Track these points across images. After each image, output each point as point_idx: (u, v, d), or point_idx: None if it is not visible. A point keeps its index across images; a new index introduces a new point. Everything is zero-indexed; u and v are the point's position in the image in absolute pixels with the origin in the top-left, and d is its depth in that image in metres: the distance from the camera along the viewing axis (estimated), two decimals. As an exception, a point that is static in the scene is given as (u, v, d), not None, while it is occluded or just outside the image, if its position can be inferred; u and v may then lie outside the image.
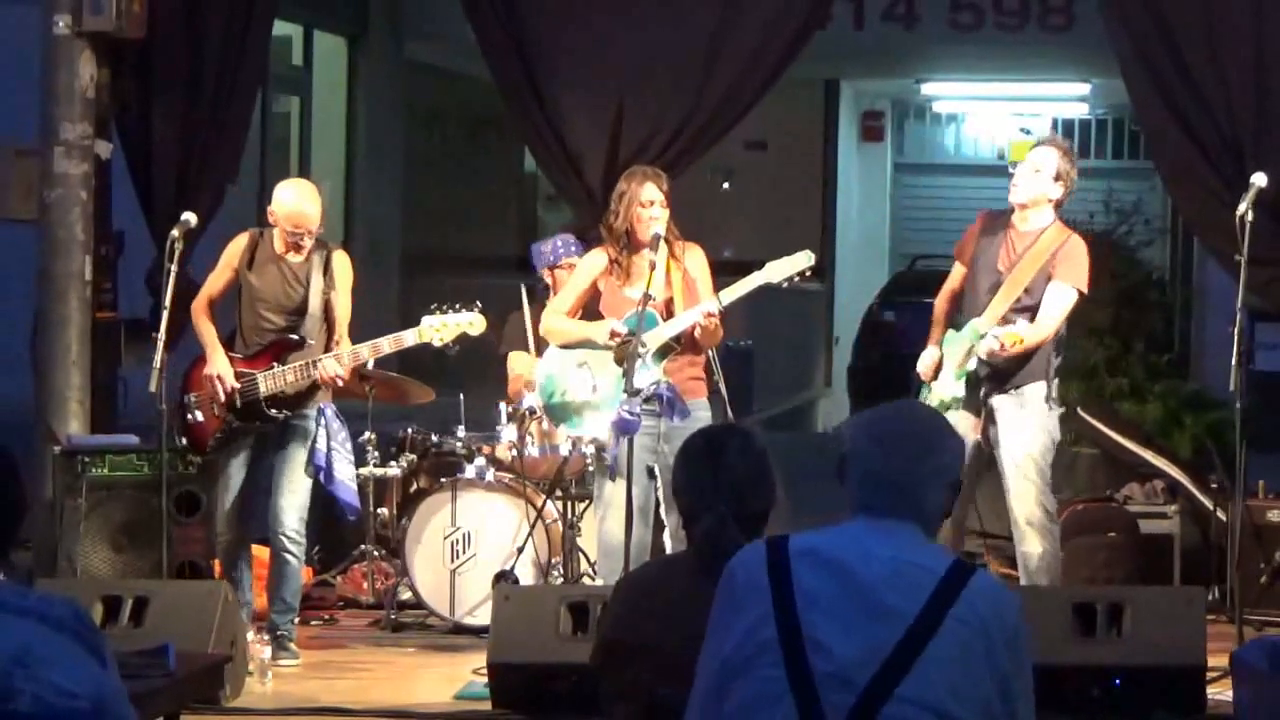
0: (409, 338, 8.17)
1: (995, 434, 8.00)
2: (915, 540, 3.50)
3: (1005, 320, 7.92)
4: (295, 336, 8.09)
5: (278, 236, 8.15)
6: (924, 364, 8.23)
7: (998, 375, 7.98)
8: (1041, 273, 7.95)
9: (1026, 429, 7.96)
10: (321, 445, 8.09)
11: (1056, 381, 8.09)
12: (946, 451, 3.60)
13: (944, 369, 8.11)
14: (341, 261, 8.23)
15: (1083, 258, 8.01)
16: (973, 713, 3.36)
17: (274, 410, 8.08)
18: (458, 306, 8.19)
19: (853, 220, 22.55)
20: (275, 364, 8.08)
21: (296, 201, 8.11)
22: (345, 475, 8.22)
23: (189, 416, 8.22)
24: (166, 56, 9.79)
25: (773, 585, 3.43)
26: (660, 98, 9.64)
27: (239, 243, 8.21)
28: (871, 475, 3.52)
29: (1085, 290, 8.03)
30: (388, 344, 8.15)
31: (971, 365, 7.99)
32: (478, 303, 8.26)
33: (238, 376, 8.07)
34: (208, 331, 8.19)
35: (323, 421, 8.12)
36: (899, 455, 3.52)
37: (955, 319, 8.28)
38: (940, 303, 8.34)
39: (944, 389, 8.09)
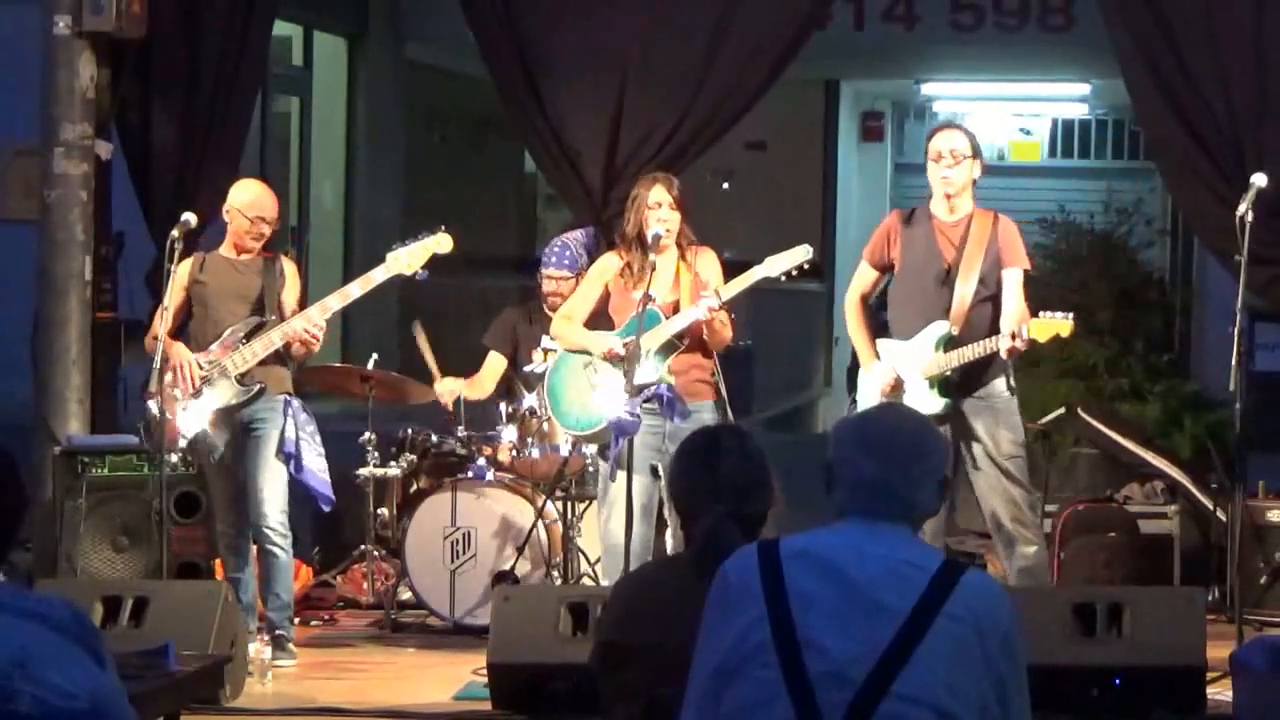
0: (378, 274, 8.16)
1: (973, 446, 7.87)
2: (906, 539, 3.51)
3: (970, 318, 7.82)
4: (258, 321, 8.09)
5: (226, 240, 8.20)
6: (883, 383, 7.90)
7: (965, 379, 7.86)
8: (989, 260, 7.86)
9: (1002, 430, 7.88)
10: (290, 434, 8.08)
11: (1012, 369, 8.02)
12: (935, 452, 3.62)
13: (909, 383, 7.90)
14: (290, 268, 8.28)
15: (1019, 236, 8.01)
16: (968, 709, 3.37)
17: (244, 383, 8.05)
18: (421, 234, 8.19)
19: (853, 220, 22.51)
20: (240, 345, 8.08)
21: (257, 193, 8.20)
22: (315, 466, 8.19)
23: (155, 424, 8.12)
24: (166, 56, 9.80)
25: (766, 587, 3.43)
26: (659, 98, 9.65)
27: (184, 265, 8.21)
28: (864, 483, 3.52)
29: (1030, 267, 8.00)
30: (356, 287, 8.15)
31: (950, 372, 7.83)
32: (441, 225, 8.25)
33: (203, 366, 8.07)
34: (165, 339, 8.12)
35: (289, 412, 8.10)
36: (891, 461, 3.52)
37: (875, 325, 8.17)
38: (855, 309, 8.11)
39: (918, 405, 7.65)
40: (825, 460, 3.58)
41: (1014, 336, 7.69)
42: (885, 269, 8.09)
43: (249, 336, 8.09)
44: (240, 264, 8.16)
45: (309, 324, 7.99)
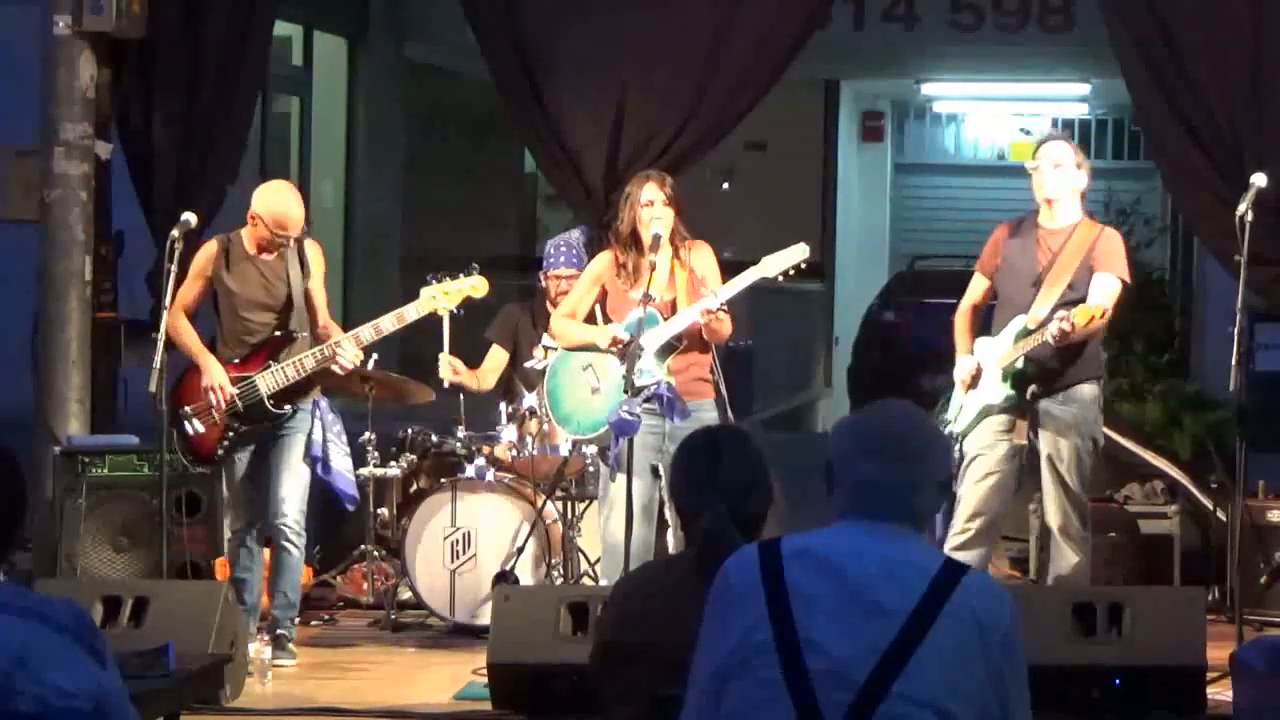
0: (410, 312, 8.17)
1: (1040, 438, 7.90)
2: (907, 540, 3.50)
3: (1051, 317, 7.85)
4: (283, 333, 8.10)
5: (248, 237, 8.13)
6: (962, 372, 8.05)
7: (1047, 375, 7.88)
8: (1083, 267, 7.86)
9: (1074, 436, 7.88)
10: (318, 436, 8.10)
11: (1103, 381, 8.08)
12: (936, 453, 3.61)
13: (984, 373, 8.00)
14: (314, 250, 8.22)
15: (1121, 248, 7.99)
16: (969, 709, 3.37)
17: (279, 407, 8.09)
18: (455, 272, 8.19)
19: (853, 220, 22.53)
20: (271, 363, 8.08)
21: (281, 204, 8.08)
22: (342, 466, 8.23)
23: (189, 430, 8.19)
24: (166, 56, 9.80)
25: (766, 588, 3.42)
26: (661, 99, 9.64)
27: (208, 250, 8.19)
28: (864, 484, 3.51)
29: (1128, 280, 7.97)
30: (389, 322, 8.14)
31: (1020, 364, 7.92)
32: (475, 265, 8.25)
33: (234, 382, 8.07)
34: (193, 342, 8.15)
35: (318, 413, 8.12)
36: (891, 464, 3.50)
37: (979, 331, 8.22)
38: (961, 318, 8.21)
39: (986, 394, 7.96)
40: (826, 460, 3.58)
41: (1062, 319, 7.68)
42: (994, 277, 8.15)
43: (281, 354, 8.08)
44: (264, 265, 8.11)
45: (345, 357, 8.00)
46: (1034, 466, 7.99)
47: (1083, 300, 7.78)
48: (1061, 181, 7.97)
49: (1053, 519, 7.95)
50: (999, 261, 8.08)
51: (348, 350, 8.02)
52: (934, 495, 3.57)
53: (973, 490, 7.91)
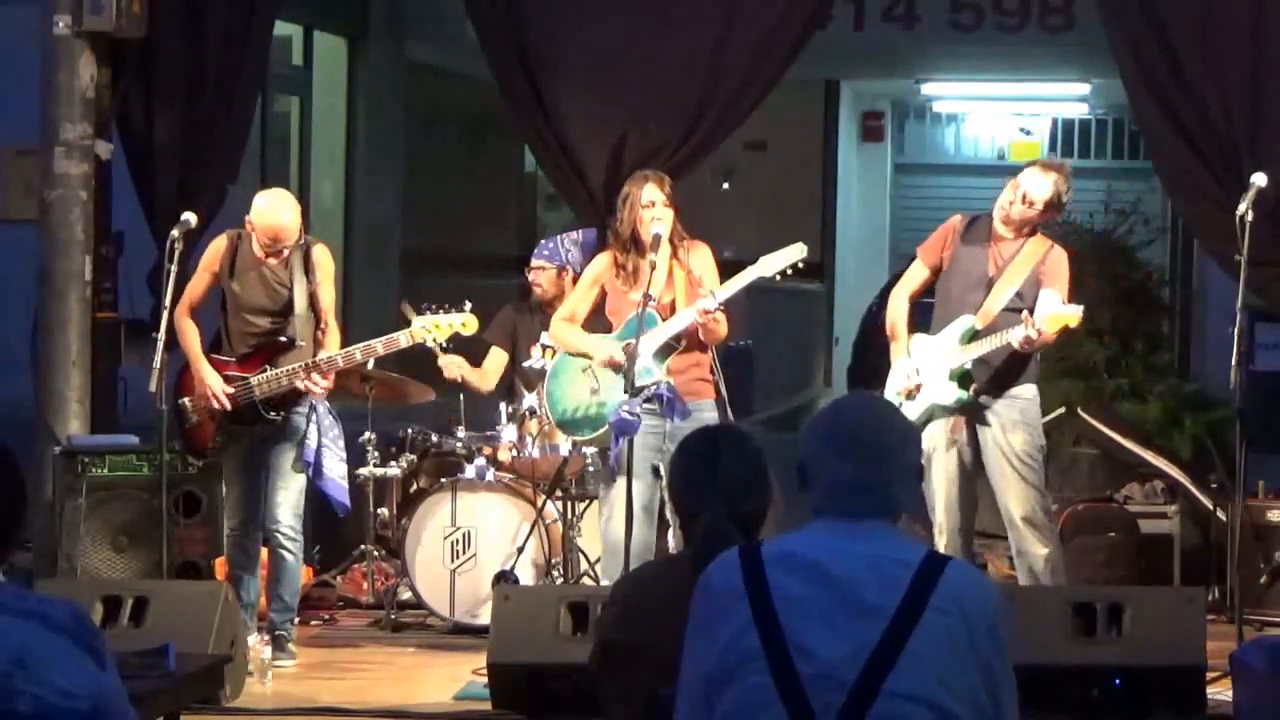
0: (402, 339, 8.19)
1: (988, 435, 7.93)
2: (887, 535, 3.48)
3: (997, 321, 7.87)
4: (285, 339, 8.10)
5: (256, 241, 8.15)
6: (903, 384, 8.01)
7: (997, 379, 7.92)
8: (1032, 278, 7.92)
9: (1022, 430, 7.92)
10: (312, 441, 8.09)
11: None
12: (909, 445, 3.58)
13: (929, 377, 7.99)
14: (322, 254, 8.21)
15: (1066, 270, 8.02)
16: (961, 702, 3.36)
17: (270, 412, 8.09)
18: (448, 307, 8.21)
19: (853, 220, 22.51)
20: (267, 367, 8.08)
21: (273, 215, 8.04)
22: (335, 472, 8.20)
23: (185, 422, 8.22)
24: (166, 56, 9.80)
25: (750, 593, 3.41)
26: (663, 101, 9.62)
27: (218, 246, 8.20)
28: (839, 483, 3.49)
29: (1067, 301, 8.02)
30: (381, 346, 8.17)
31: (969, 365, 7.93)
32: (468, 302, 8.28)
33: (229, 380, 8.07)
34: (193, 342, 8.17)
35: (314, 418, 8.11)
36: (865, 461, 3.48)
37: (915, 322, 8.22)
38: (899, 303, 8.19)
39: (935, 395, 7.96)
40: (798, 460, 3.56)
41: (1028, 324, 7.66)
42: (937, 270, 8.12)
43: (278, 359, 8.08)
44: (268, 269, 8.11)
45: (321, 385, 8.03)
46: (978, 465, 7.98)
47: (1029, 309, 7.79)
48: (1023, 217, 7.95)
49: (1016, 509, 7.92)
50: (946, 257, 8.07)
51: (316, 381, 8.02)
52: (909, 487, 3.55)
53: (936, 492, 7.94)
